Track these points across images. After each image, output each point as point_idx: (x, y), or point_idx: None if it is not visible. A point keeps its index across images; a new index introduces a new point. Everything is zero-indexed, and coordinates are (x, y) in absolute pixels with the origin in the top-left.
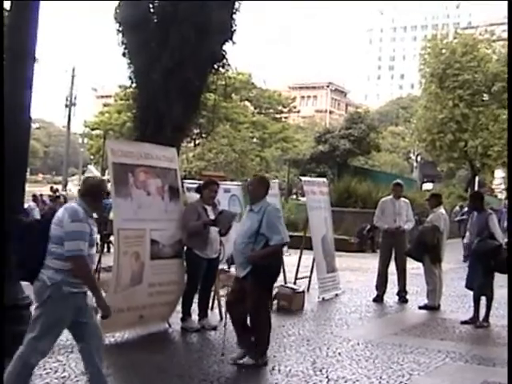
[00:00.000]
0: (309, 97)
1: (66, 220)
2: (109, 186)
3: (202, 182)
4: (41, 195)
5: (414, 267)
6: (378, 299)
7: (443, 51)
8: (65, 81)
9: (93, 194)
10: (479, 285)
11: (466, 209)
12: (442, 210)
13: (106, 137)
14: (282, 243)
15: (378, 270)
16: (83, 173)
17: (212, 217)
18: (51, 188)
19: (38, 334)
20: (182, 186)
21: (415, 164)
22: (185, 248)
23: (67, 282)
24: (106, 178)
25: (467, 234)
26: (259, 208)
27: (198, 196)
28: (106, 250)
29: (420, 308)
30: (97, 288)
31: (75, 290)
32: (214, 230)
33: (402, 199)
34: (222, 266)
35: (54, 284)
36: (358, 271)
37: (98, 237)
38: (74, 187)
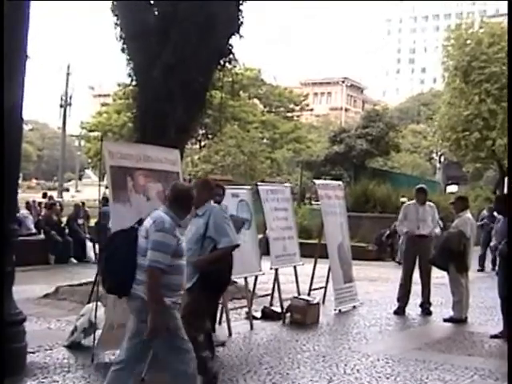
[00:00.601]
0: (322, 93)
1: (151, 229)
2: (106, 191)
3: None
4: (34, 202)
5: (438, 276)
6: (400, 311)
7: (468, 42)
8: (60, 79)
9: (181, 201)
10: (507, 294)
11: (486, 213)
12: (468, 214)
13: (103, 139)
14: (231, 246)
15: (400, 279)
16: (80, 178)
17: None
18: (44, 195)
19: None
20: None
21: (438, 165)
22: None
23: (164, 294)
24: (104, 183)
25: (493, 239)
26: (204, 211)
27: None
28: None
29: (445, 321)
30: (158, 304)
31: (173, 299)
32: None
33: (428, 203)
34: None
35: None
36: (377, 281)
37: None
38: (71, 193)
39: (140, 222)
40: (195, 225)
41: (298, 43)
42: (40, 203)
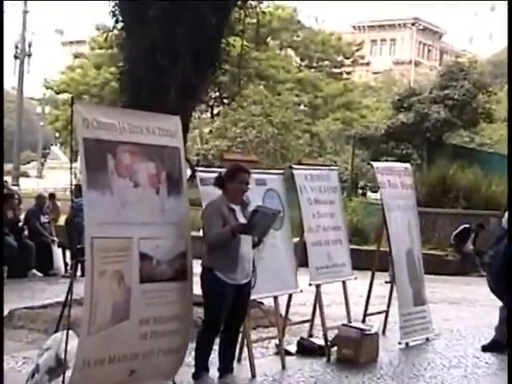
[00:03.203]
0: (384, 41)
1: None
2: (79, 174)
3: (224, 169)
4: None
5: None
6: (495, 347)
7: None
8: (14, 19)
9: None
10: None
11: None
12: None
13: (76, 101)
14: None
15: (504, 300)
16: (44, 158)
17: (242, 220)
18: None
19: None
20: (193, 176)
21: None
22: (201, 268)
23: None
24: (78, 166)
25: None
26: None
27: (218, 191)
28: (80, 274)
29: None
30: None
31: None
32: (246, 242)
33: None
34: (255, 296)
35: None
36: (460, 304)
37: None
38: (32, 180)
39: None
40: None
41: None
42: None
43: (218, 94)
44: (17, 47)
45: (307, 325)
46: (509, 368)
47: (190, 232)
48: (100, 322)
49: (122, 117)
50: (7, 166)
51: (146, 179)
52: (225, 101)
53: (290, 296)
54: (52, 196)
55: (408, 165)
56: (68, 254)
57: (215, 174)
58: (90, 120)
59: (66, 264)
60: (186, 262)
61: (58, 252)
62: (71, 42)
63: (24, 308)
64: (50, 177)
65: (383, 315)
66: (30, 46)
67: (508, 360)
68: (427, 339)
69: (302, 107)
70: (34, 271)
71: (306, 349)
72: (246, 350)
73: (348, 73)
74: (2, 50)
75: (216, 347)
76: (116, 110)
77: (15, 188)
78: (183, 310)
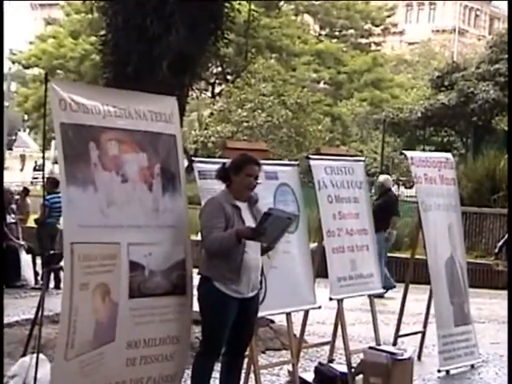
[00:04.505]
0: (421, 5)
1: None
2: (55, 168)
3: (229, 160)
4: None
5: None
6: None
7: None
8: None
9: None
10: None
11: None
12: None
13: (49, 78)
14: None
15: None
16: (10, 146)
17: (250, 222)
18: None
19: None
20: (190, 167)
21: None
22: (198, 278)
23: None
24: (51, 155)
25: None
26: None
27: (220, 186)
28: (53, 285)
29: None
30: None
31: None
32: (253, 247)
33: None
34: (264, 312)
35: None
36: None
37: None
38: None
39: None
40: None
41: None
42: None
43: (220, 69)
44: None
45: (327, 348)
46: (509, 368)
47: (189, 236)
48: (80, 345)
49: (107, 97)
50: None
51: (137, 173)
52: (228, 77)
53: (307, 313)
54: (25, 192)
55: (450, 155)
56: (39, 261)
57: (217, 166)
58: (67, 101)
59: (36, 273)
60: (185, 272)
61: (26, 259)
62: (42, 5)
63: None
64: (16, 168)
65: (419, 337)
66: None
67: (508, 360)
68: (472, 366)
69: (321, 85)
70: None
71: (326, 377)
72: (252, 377)
73: (377, 44)
74: (2, 49)
75: (217, 374)
76: (99, 88)
77: None
78: (180, 330)
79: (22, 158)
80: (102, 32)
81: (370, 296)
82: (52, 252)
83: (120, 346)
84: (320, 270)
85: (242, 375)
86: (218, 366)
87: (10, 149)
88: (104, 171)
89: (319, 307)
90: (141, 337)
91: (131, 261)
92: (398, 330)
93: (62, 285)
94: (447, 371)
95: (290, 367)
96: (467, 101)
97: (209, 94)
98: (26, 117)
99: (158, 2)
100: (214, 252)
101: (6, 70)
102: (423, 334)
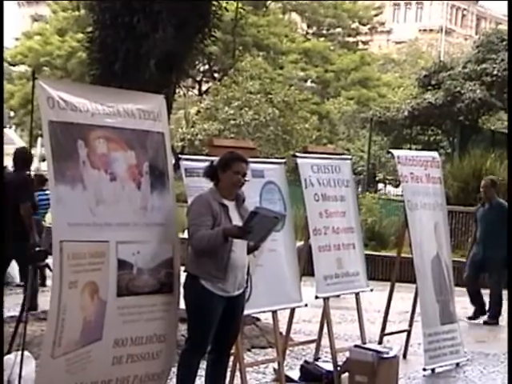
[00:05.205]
0: (408, 5)
1: None
2: (44, 165)
3: (216, 157)
4: None
5: None
6: None
7: None
8: None
9: None
10: None
11: None
12: None
13: (37, 76)
14: None
15: None
16: None
17: (237, 221)
18: None
19: None
20: (177, 165)
21: None
22: (184, 276)
23: None
24: (38, 152)
25: None
26: None
27: (208, 184)
28: (39, 282)
29: None
30: None
31: None
32: (239, 246)
33: None
34: (250, 310)
35: None
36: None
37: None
38: None
39: None
40: None
41: None
42: None
43: (207, 66)
44: None
45: (313, 346)
46: (509, 368)
47: (177, 234)
48: (67, 343)
49: (95, 95)
50: None
51: (125, 171)
52: (216, 75)
53: (293, 311)
54: None
55: (436, 154)
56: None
57: (204, 164)
58: (56, 99)
59: (22, 271)
60: (173, 270)
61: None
62: (29, 2)
63: None
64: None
65: (404, 335)
66: None
67: (508, 360)
68: (457, 365)
69: (308, 83)
70: None
71: (311, 375)
72: (238, 375)
73: (365, 43)
74: (2, 49)
75: (202, 372)
76: (88, 87)
77: None
78: (167, 328)
79: (9, 155)
80: (89, 29)
81: (356, 294)
82: (37, 249)
83: (107, 344)
84: (306, 268)
85: (228, 373)
86: (203, 364)
87: None
88: (92, 169)
89: (305, 305)
90: (128, 335)
91: (119, 259)
92: (383, 328)
93: (46, 282)
94: (433, 369)
95: (275, 365)
96: (454, 100)
97: (196, 91)
98: (11, 114)
99: None
100: (200, 250)
101: None
102: (409, 332)
